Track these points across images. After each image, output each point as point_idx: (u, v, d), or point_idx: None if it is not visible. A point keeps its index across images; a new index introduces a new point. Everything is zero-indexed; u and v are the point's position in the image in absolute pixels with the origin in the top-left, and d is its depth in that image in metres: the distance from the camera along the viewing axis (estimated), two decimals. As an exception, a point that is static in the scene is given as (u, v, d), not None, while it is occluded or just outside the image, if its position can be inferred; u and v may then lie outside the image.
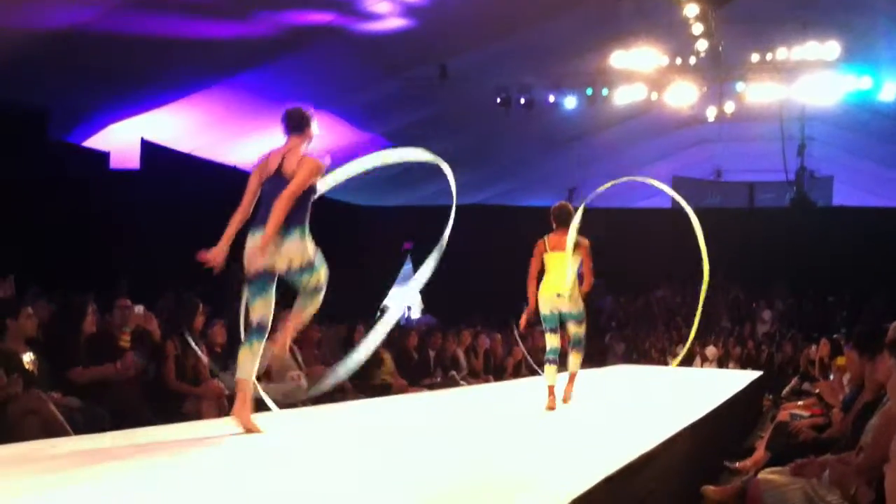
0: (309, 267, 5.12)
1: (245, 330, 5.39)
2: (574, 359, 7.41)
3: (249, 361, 5.13)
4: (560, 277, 7.12)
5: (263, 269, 5.07)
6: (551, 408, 6.97)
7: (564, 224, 7.22)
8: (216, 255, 5.02)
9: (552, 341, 7.25)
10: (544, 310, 7.23)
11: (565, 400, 7.38)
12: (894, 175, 24.47)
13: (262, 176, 5.18)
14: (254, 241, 5.02)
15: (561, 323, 7.31)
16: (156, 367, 7.14)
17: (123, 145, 15.95)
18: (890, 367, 3.09)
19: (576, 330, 7.38)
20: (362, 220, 20.12)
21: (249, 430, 5.09)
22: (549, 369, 7.19)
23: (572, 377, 7.51)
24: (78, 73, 13.92)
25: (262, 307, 5.14)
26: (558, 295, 7.11)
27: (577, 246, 7.13)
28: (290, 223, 5.02)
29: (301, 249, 5.07)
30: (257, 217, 5.10)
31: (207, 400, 7.08)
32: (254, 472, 4.07)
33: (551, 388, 7.09)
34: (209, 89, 15.85)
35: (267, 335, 5.19)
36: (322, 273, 5.20)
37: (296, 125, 5.28)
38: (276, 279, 5.15)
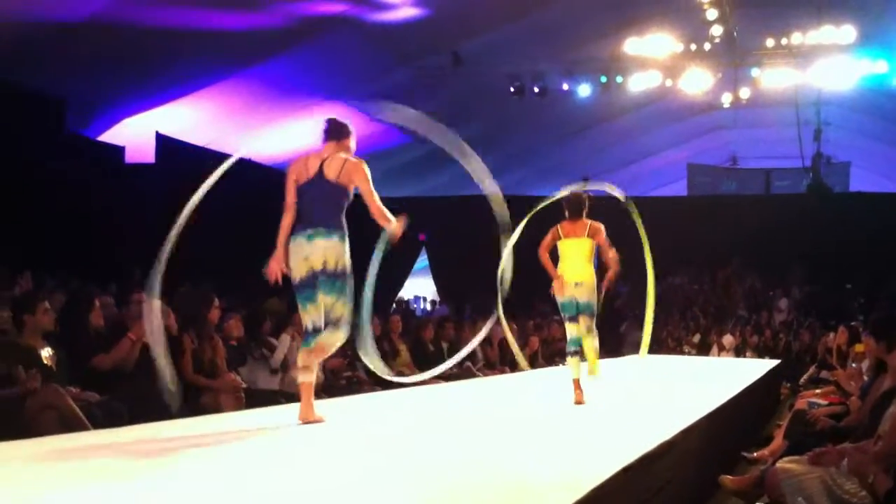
0: (342, 275, 5.26)
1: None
2: (589, 343, 7.26)
3: (307, 365, 5.36)
4: (576, 265, 7.01)
5: (307, 274, 5.26)
6: (579, 402, 6.74)
7: (578, 213, 7.13)
8: (274, 265, 5.29)
9: (572, 331, 7.08)
10: (562, 297, 7.08)
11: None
12: (911, 159, 24.35)
13: (299, 179, 5.35)
14: (297, 245, 5.25)
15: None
16: (173, 360, 7.15)
17: (138, 139, 16.01)
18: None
19: (588, 324, 7.16)
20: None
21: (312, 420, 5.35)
22: (573, 361, 6.98)
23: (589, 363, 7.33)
24: (93, 64, 13.98)
25: (313, 311, 5.33)
26: (576, 284, 6.99)
27: (593, 233, 7.05)
28: (330, 224, 5.25)
29: (339, 251, 5.26)
30: (297, 221, 5.32)
31: (225, 393, 7.10)
32: (268, 467, 4.09)
33: (577, 382, 6.85)
34: (223, 82, 15.90)
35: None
36: (348, 307, 5.31)
37: (335, 134, 5.50)
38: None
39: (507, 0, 15.97)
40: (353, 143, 5.57)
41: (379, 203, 5.31)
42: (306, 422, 5.32)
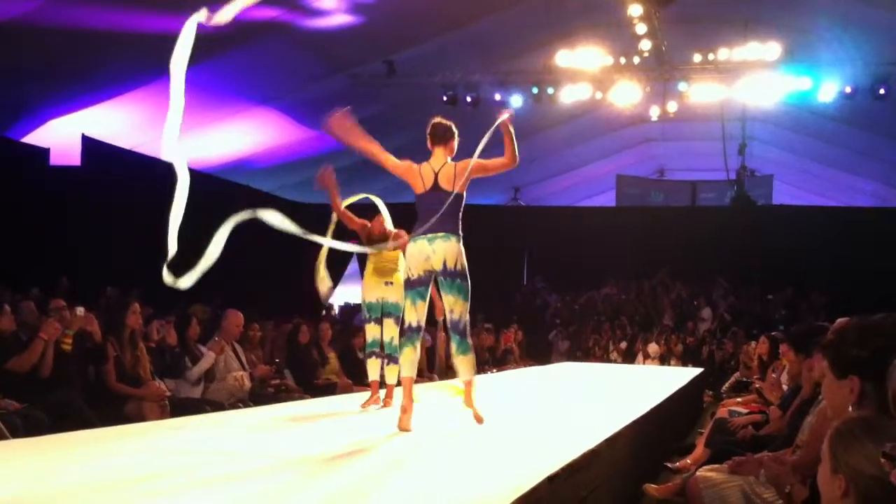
0: (463, 273, 5.64)
1: (403, 331, 6.02)
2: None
3: (412, 360, 5.73)
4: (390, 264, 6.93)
5: (424, 273, 5.65)
6: (365, 406, 6.78)
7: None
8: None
9: (374, 332, 6.97)
10: (370, 297, 6.95)
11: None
12: (832, 174, 24.96)
13: (414, 187, 5.81)
14: (416, 247, 5.63)
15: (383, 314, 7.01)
16: (96, 368, 7.04)
17: (64, 141, 15.69)
18: (823, 367, 3.15)
19: (395, 334, 6.89)
20: (306, 218, 19.97)
21: (405, 429, 5.50)
22: (374, 364, 6.97)
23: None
24: (17, 66, 13.66)
25: (421, 309, 5.74)
26: (387, 283, 6.90)
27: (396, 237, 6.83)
28: (445, 227, 5.58)
29: (457, 252, 5.62)
30: (416, 226, 5.69)
31: (149, 402, 7.00)
32: (194, 478, 4.04)
33: (375, 385, 6.94)
34: (152, 84, 15.64)
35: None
36: (465, 305, 5.66)
37: (441, 138, 5.89)
38: (431, 282, 5.78)
39: (440, 11, 16.00)
40: (456, 142, 5.91)
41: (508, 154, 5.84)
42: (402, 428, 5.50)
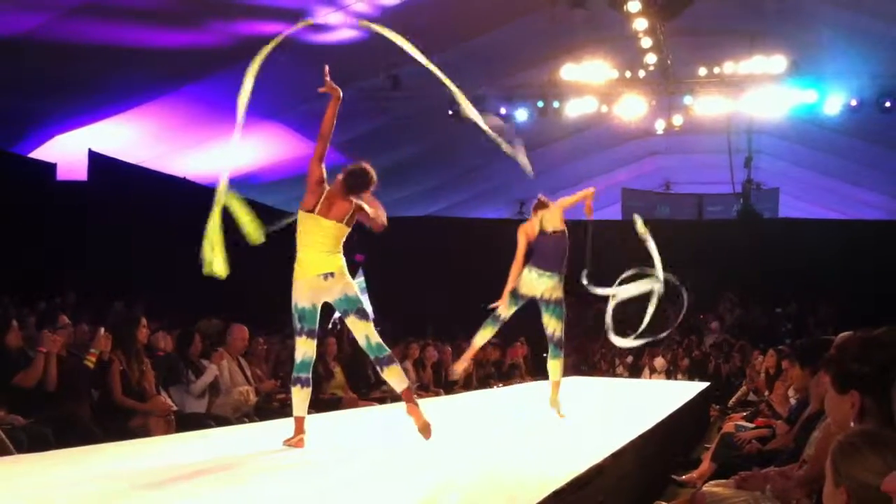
0: (558, 304, 7.49)
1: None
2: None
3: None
4: (326, 251, 5.42)
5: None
6: (292, 443, 5.28)
7: (356, 190, 5.67)
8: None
9: (307, 347, 5.39)
10: (303, 301, 5.37)
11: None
12: (839, 187, 24.92)
13: (530, 237, 7.34)
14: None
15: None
16: (102, 382, 7.03)
17: (71, 156, 15.74)
18: (826, 382, 3.14)
19: (368, 331, 5.37)
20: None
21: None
22: (300, 394, 5.38)
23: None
24: (24, 81, 13.72)
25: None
26: (327, 276, 5.34)
27: (358, 209, 5.56)
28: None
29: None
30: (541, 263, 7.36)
31: (155, 417, 6.99)
32: (199, 494, 4.04)
33: (300, 421, 5.38)
34: (158, 99, 15.70)
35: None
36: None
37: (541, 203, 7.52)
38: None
39: (445, 25, 16.04)
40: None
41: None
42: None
